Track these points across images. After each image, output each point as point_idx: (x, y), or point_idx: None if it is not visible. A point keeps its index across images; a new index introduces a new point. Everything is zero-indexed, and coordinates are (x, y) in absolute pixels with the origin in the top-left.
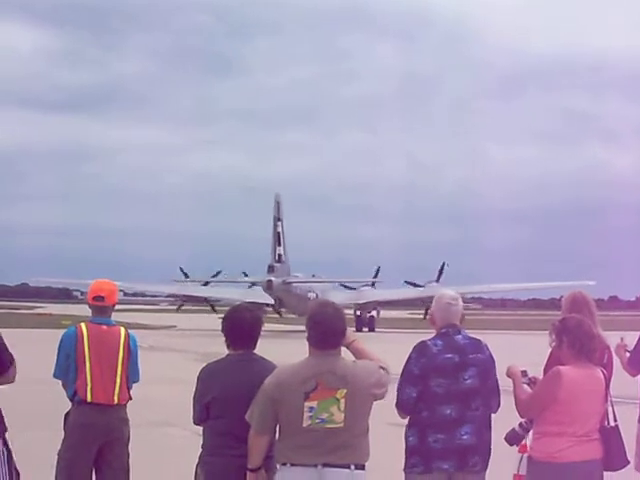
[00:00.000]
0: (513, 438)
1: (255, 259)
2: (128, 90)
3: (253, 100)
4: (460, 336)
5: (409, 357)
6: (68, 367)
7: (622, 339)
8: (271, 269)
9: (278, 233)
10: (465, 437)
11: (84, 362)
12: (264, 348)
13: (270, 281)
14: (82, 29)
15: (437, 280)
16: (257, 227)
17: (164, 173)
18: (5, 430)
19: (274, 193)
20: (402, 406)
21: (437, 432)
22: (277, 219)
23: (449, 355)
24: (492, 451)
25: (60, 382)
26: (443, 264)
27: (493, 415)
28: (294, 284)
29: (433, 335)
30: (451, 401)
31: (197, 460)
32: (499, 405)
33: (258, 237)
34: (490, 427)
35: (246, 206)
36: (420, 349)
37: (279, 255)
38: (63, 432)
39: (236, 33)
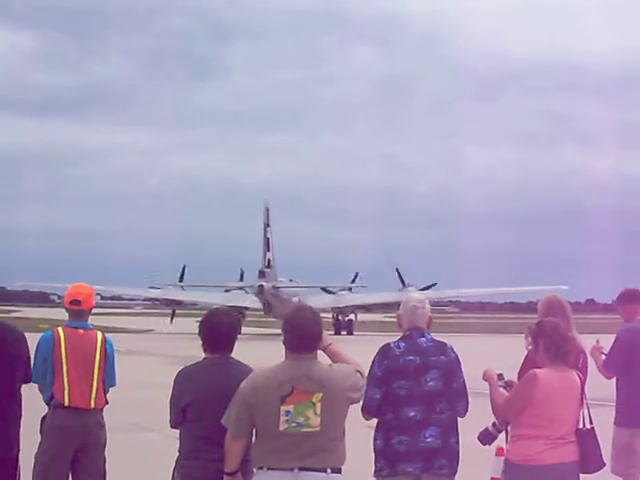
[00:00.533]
0: (486, 437)
1: (237, 260)
2: (108, 93)
3: (234, 102)
4: (424, 339)
5: (373, 359)
6: (45, 371)
7: (598, 341)
8: (262, 274)
9: (267, 239)
10: (429, 440)
11: (61, 366)
12: (247, 351)
13: (261, 286)
14: (61, 32)
15: (403, 285)
16: (239, 228)
17: (145, 175)
18: (19, 450)
19: (263, 199)
20: (366, 408)
21: (401, 434)
22: (267, 225)
23: (411, 357)
24: (469, 455)
25: (37, 386)
26: (397, 269)
27: (466, 419)
28: (281, 289)
29: (398, 338)
30: (414, 403)
31: (174, 464)
32: (467, 409)
33: (240, 238)
34: (457, 431)
35: (228, 208)
36: (383, 351)
37: (268, 260)
38: (40, 436)
39: (216, 36)
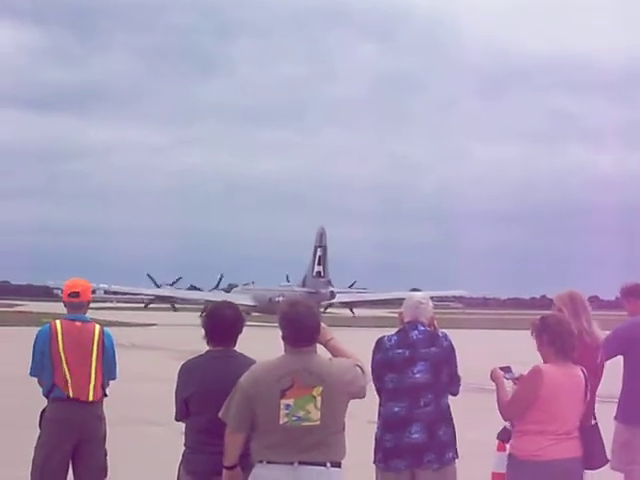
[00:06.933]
0: (507, 436)
1: (241, 256)
2: (112, 89)
3: (238, 98)
4: (416, 331)
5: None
6: (43, 364)
7: None
8: (330, 283)
9: (319, 257)
10: (415, 436)
11: (60, 359)
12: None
13: (332, 292)
14: (66, 27)
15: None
16: (241, 225)
17: (148, 172)
18: None
19: (319, 227)
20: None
21: (388, 430)
22: (318, 247)
23: (400, 350)
24: (470, 450)
25: (37, 379)
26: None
27: (469, 415)
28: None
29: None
30: (399, 397)
31: (180, 458)
32: (458, 389)
33: (242, 234)
34: (444, 422)
35: (231, 204)
36: (376, 344)
37: (318, 272)
38: (39, 429)
39: (221, 33)
